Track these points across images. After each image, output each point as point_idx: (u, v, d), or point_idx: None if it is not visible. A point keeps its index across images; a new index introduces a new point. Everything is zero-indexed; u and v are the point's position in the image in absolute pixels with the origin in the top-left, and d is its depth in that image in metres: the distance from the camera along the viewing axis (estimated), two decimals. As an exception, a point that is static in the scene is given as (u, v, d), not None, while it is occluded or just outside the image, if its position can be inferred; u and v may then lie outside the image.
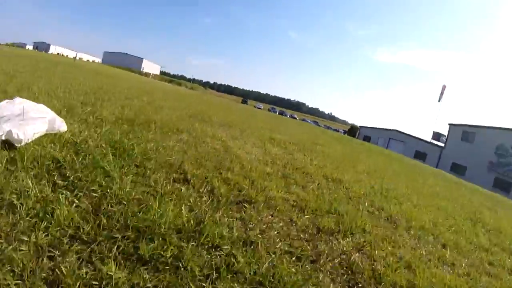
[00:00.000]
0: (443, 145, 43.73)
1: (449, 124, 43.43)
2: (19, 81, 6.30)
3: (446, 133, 44.23)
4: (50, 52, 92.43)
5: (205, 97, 26.89)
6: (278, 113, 76.91)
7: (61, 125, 3.23)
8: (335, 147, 10.82)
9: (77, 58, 67.62)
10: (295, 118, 77.18)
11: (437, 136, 50.06)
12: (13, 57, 15.45)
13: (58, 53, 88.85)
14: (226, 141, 5.00)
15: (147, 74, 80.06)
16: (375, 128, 57.91)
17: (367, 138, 54.03)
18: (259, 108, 74.96)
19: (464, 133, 40.31)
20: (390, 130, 52.78)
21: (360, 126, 64.04)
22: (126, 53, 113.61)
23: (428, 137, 49.37)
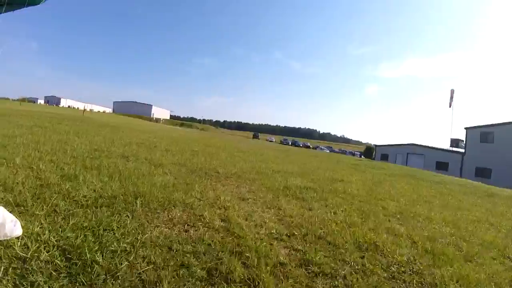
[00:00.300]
0: (463, 150, 43.19)
1: (465, 128, 43.19)
2: (6, 150, 5.88)
3: (464, 139, 43.83)
4: (61, 105, 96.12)
5: (214, 139, 26.42)
6: (291, 144, 78.88)
7: (14, 230, 2.59)
8: (357, 180, 9.98)
9: (88, 109, 69.59)
10: (309, 146, 77.93)
11: (455, 142, 49.88)
12: (15, 116, 15.41)
13: (69, 106, 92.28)
14: (230, 209, 4.25)
15: (157, 120, 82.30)
16: (391, 145, 57.10)
17: (384, 157, 53.88)
18: (271, 141, 77.30)
19: (483, 135, 39.90)
20: (407, 145, 52.13)
21: (376, 145, 63.54)
22: (135, 101, 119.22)
23: (446, 146, 49.01)
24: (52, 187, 3.92)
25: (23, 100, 73.50)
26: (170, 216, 3.55)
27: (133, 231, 2.93)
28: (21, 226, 2.70)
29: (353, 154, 66.28)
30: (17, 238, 2.55)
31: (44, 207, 3.22)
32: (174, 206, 3.92)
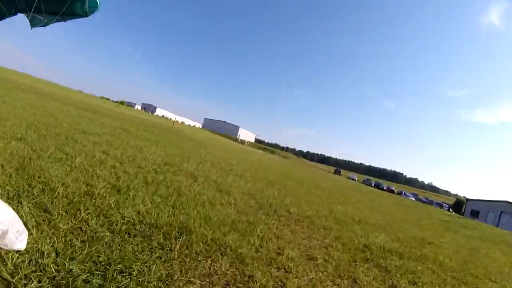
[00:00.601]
0: None
1: None
2: (75, 146, 6.13)
3: None
4: (156, 113, 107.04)
5: (293, 170, 25.72)
6: (374, 185, 79.25)
7: (15, 242, 2.26)
8: (449, 245, 8.58)
9: (179, 121, 75.82)
10: (393, 190, 76.47)
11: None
12: (106, 116, 16.90)
13: (163, 116, 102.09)
14: (291, 273, 3.42)
15: (242, 142, 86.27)
16: (484, 200, 55.77)
17: (474, 213, 53.10)
18: (353, 179, 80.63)
19: None
20: (500, 202, 50.36)
21: (467, 199, 61.61)
22: (224, 121, 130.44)
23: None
24: (94, 197, 3.67)
25: (121, 103, 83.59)
26: (212, 269, 2.91)
27: (155, 283, 2.37)
28: (32, 237, 2.40)
29: (441, 206, 62.25)
30: (17, 251, 2.21)
31: (72, 221, 2.91)
32: (222, 254, 3.29)
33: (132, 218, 3.42)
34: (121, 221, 3.27)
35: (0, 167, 3.63)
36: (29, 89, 21.73)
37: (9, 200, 2.87)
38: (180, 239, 3.25)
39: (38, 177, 3.71)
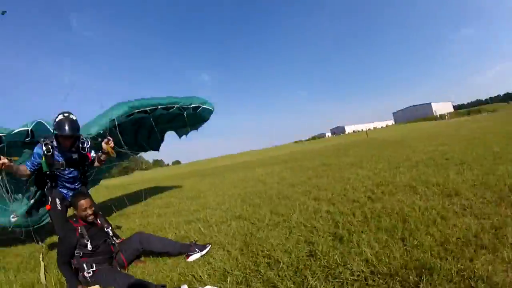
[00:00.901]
0: None
1: None
2: (289, 203, 6.39)
3: None
4: (346, 132, 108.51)
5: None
6: None
7: None
8: None
9: (371, 128, 74.69)
10: None
11: None
12: (297, 160, 17.58)
13: (353, 131, 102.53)
14: None
15: (441, 116, 77.93)
16: None
17: None
18: None
19: None
20: None
21: None
22: (413, 105, 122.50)
23: None
24: (318, 257, 3.52)
25: (313, 138, 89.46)
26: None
27: None
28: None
29: None
30: None
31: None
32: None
33: (362, 271, 3.05)
34: (351, 278, 2.96)
35: (226, 253, 3.97)
36: (230, 168, 25.04)
37: (238, 286, 3.02)
38: (421, 285, 2.67)
39: (261, 251, 3.86)
